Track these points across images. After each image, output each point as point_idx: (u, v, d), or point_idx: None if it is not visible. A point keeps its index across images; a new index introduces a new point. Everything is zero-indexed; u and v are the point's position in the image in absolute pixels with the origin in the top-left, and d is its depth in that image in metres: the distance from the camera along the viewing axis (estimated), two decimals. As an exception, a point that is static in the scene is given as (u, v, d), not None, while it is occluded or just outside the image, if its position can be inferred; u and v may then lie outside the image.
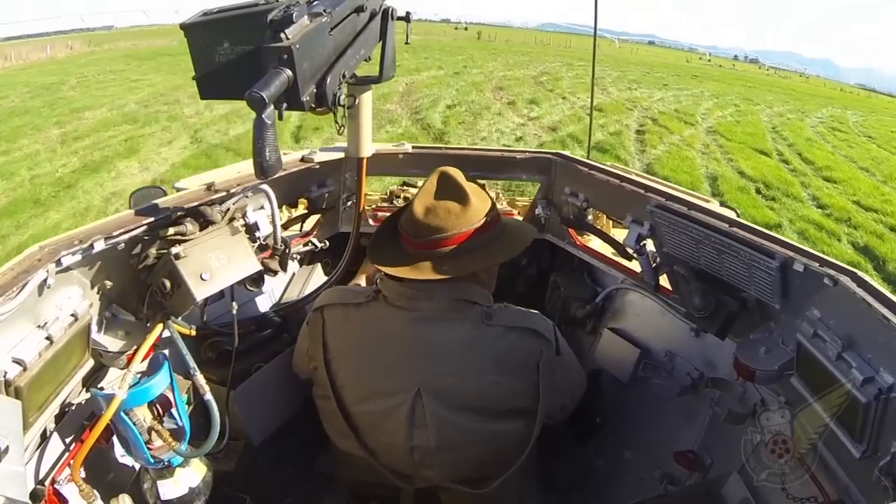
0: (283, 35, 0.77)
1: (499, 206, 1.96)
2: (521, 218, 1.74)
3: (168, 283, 1.00)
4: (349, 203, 1.58)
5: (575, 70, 21.98)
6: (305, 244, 1.48)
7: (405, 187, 2.09)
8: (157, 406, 1.00)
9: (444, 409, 1.03)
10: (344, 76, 0.94)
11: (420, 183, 1.18)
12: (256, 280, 1.30)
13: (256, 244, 1.23)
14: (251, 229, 1.21)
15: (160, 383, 0.99)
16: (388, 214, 1.72)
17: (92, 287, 0.96)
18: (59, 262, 0.87)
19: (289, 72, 0.76)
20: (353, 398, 1.09)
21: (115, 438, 0.99)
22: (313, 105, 0.87)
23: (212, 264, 1.02)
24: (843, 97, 32.37)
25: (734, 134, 11.57)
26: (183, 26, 0.85)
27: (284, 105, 0.80)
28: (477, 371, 1.04)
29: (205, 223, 1.07)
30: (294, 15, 0.79)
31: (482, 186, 1.86)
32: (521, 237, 1.14)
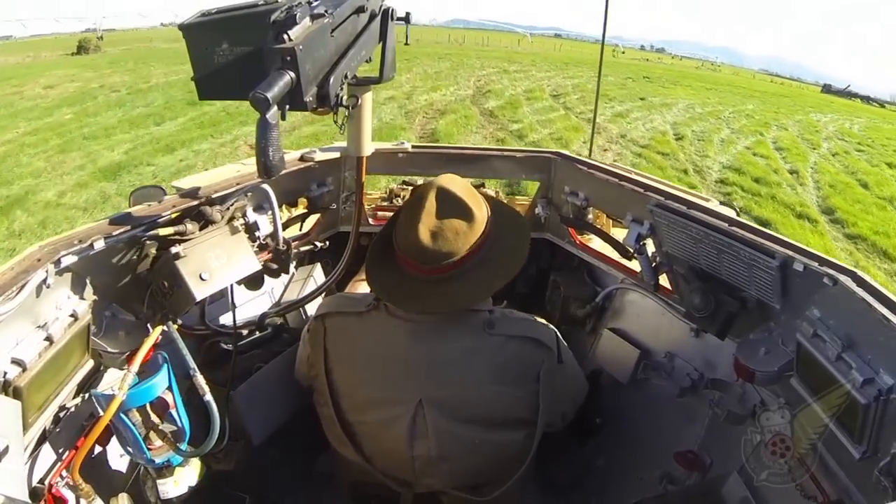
0: (286, 36, 0.77)
1: None
2: None
3: (168, 283, 1.00)
4: (349, 202, 1.58)
5: (518, 81, 16.30)
6: (305, 244, 1.47)
7: (405, 186, 2.08)
8: (157, 406, 1.00)
9: (445, 420, 1.02)
10: (346, 77, 0.93)
11: (420, 181, 1.16)
12: (256, 280, 1.30)
13: (256, 244, 1.23)
14: (251, 229, 1.21)
15: (160, 384, 0.99)
16: (387, 214, 1.71)
17: (92, 287, 0.96)
18: (58, 262, 0.87)
19: (292, 73, 0.76)
20: (353, 407, 1.08)
21: (114, 438, 0.99)
22: (315, 105, 0.87)
23: (211, 264, 1.02)
24: (794, 93, 29.44)
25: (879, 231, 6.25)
26: (181, 27, 0.84)
27: (287, 106, 0.80)
28: (478, 381, 1.02)
29: (204, 223, 1.07)
30: (297, 16, 0.79)
31: (483, 185, 1.86)
32: (520, 244, 1.09)
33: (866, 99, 34.65)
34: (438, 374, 1.02)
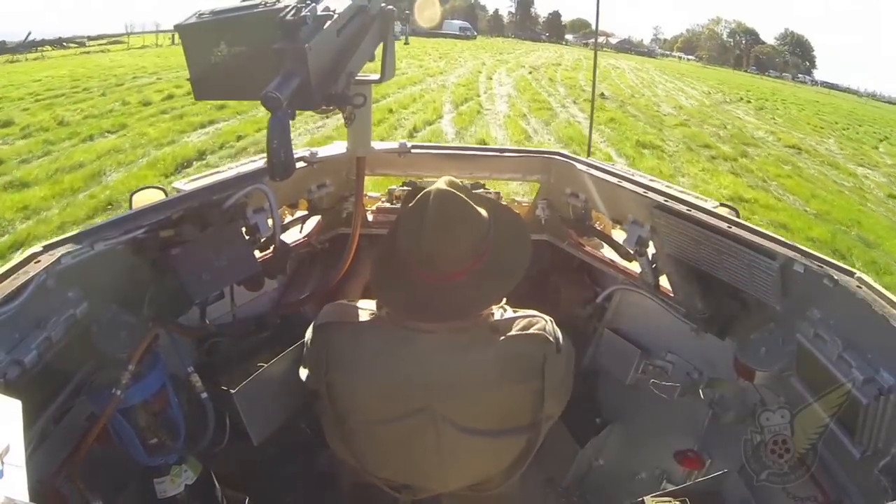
0: (296, 36, 0.78)
1: None
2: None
3: (168, 284, 1.00)
4: (349, 203, 1.58)
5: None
6: (305, 245, 1.47)
7: (405, 187, 2.08)
8: (155, 406, 1.00)
9: (451, 428, 1.00)
10: (351, 75, 0.94)
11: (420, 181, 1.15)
12: (256, 280, 1.30)
13: (256, 245, 1.23)
14: (251, 230, 1.21)
15: (158, 383, 0.99)
16: (388, 216, 1.71)
17: (92, 288, 0.96)
18: (59, 263, 0.87)
19: (302, 72, 0.77)
20: (356, 417, 1.06)
21: (114, 437, 1.00)
22: (323, 104, 0.87)
23: (211, 265, 1.02)
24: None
25: None
26: (178, 28, 0.84)
27: (297, 105, 0.81)
28: (486, 386, 1.00)
29: (204, 224, 1.07)
30: (307, 17, 0.79)
31: (483, 186, 1.87)
32: (522, 243, 1.10)
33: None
34: (446, 384, 1.00)
